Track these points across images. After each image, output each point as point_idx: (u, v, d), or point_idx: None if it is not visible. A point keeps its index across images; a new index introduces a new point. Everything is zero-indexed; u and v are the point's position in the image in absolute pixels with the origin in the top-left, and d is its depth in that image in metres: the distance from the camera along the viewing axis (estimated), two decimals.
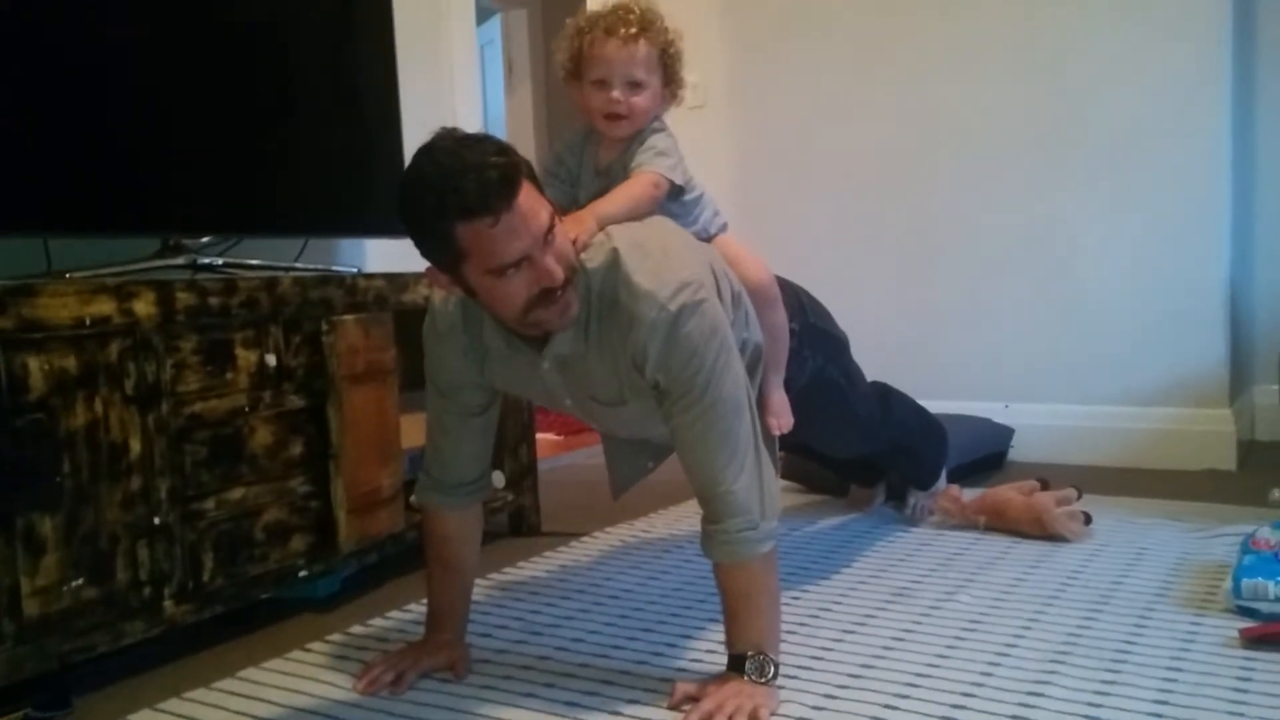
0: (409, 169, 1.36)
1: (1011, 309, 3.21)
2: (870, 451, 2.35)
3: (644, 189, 1.56)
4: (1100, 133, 3.04)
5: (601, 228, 1.48)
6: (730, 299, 1.57)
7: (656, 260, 1.43)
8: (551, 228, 1.35)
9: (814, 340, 1.93)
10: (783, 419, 1.71)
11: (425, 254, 1.40)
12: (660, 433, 1.63)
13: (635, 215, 1.53)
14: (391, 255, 2.62)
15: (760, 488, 1.46)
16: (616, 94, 1.56)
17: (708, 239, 1.72)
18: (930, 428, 2.41)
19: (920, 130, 3.31)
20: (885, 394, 2.29)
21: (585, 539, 2.42)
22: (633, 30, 1.56)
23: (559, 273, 1.35)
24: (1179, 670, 1.52)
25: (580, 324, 1.45)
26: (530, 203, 1.33)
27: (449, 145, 1.32)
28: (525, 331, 1.46)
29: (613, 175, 1.62)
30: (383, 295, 2.10)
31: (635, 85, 1.57)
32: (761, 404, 1.65)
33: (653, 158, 1.59)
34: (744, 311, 1.64)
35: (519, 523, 2.51)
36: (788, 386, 1.77)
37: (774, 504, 1.48)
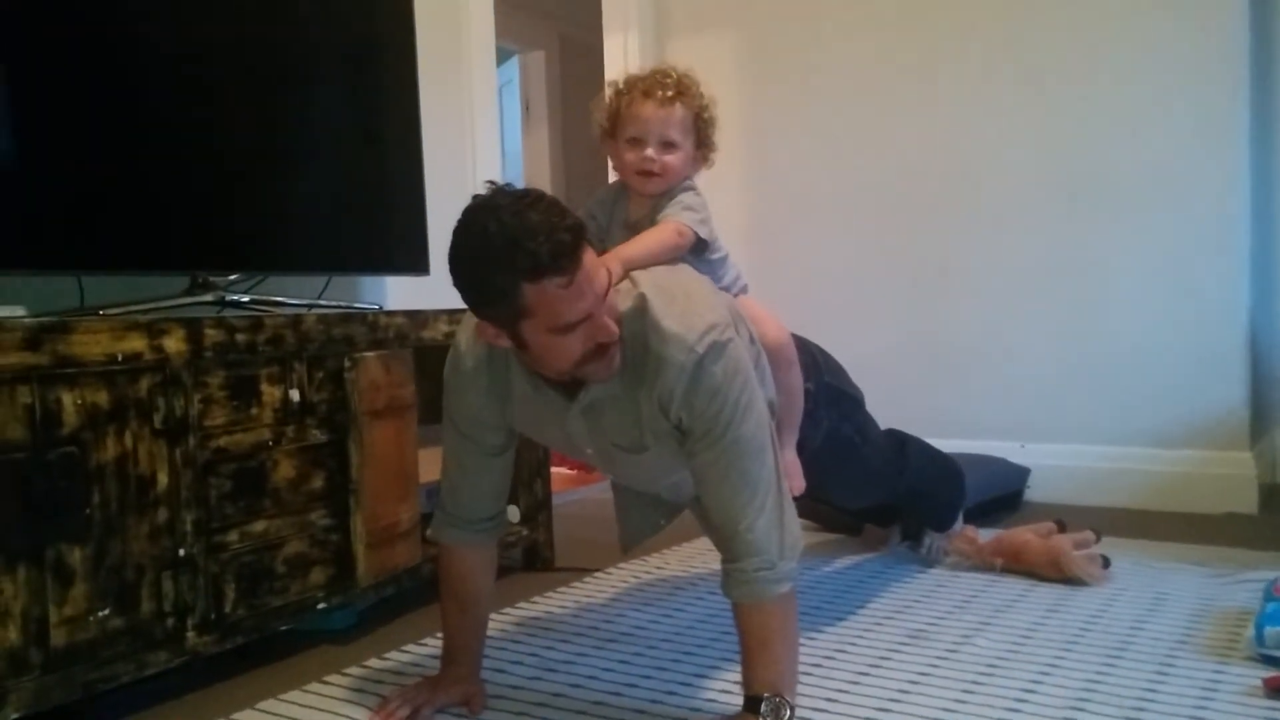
0: (468, 225, 1.36)
1: (1027, 348, 3.21)
2: (886, 500, 2.35)
3: (668, 235, 1.60)
4: (1117, 172, 3.05)
5: (626, 272, 1.51)
6: (751, 352, 1.60)
7: (682, 304, 1.45)
8: (608, 288, 1.39)
9: (829, 399, 1.95)
10: (794, 481, 1.72)
11: (478, 308, 1.42)
12: (674, 483, 1.65)
13: (658, 261, 1.57)
14: (411, 292, 2.66)
15: (780, 528, 1.47)
16: (650, 152, 1.62)
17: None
18: (946, 472, 2.41)
19: (934, 169, 3.34)
20: (901, 443, 2.29)
21: (599, 574, 2.43)
22: (669, 93, 1.62)
23: (614, 329, 1.39)
24: None
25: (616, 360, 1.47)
26: (592, 262, 1.37)
27: (510, 204, 1.34)
28: (565, 380, 1.49)
29: (640, 230, 1.65)
30: (403, 332, 2.13)
31: (669, 145, 1.63)
32: None
33: (679, 210, 1.64)
34: (761, 369, 1.66)
35: (533, 558, 2.52)
36: (802, 446, 1.79)
37: (794, 546, 1.49)
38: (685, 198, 1.66)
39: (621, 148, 1.66)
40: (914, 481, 2.27)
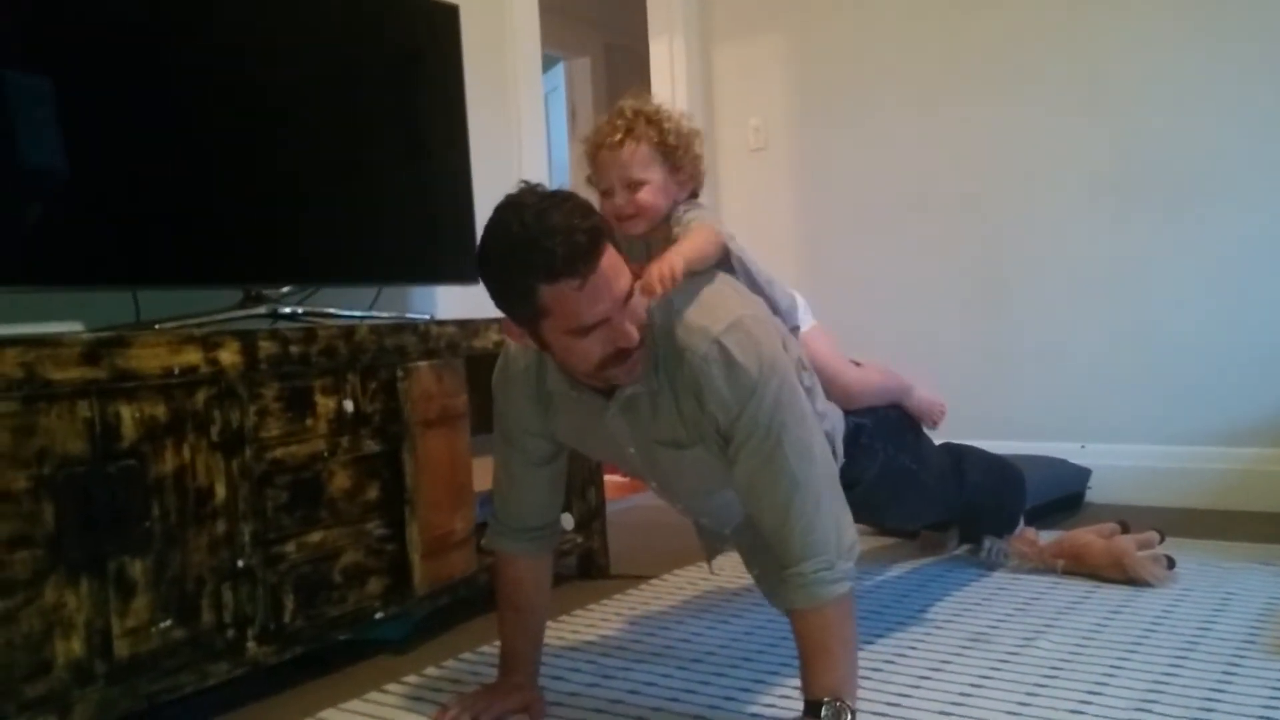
0: (494, 224, 1.38)
1: (1087, 347, 3.16)
2: (945, 518, 2.32)
3: (708, 234, 1.57)
4: (1176, 168, 2.99)
5: (686, 269, 1.47)
6: (804, 382, 1.57)
7: (709, 300, 1.46)
8: (631, 291, 1.38)
9: (884, 431, 1.91)
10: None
11: (503, 307, 1.43)
12: (719, 506, 1.65)
13: (710, 260, 1.55)
14: (462, 302, 2.67)
15: (837, 529, 1.45)
16: (619, 199, 1.60)
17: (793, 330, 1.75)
18: (1005, 482, 2.35)
19: (988, 171, 3.30)
20: (958, 459, 2.22)
21: (654, 581, 2.42)
22: (618, 136, 1.59)
23: (635, 334, 1.38)
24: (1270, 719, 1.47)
25: (649, 366, 1.47)
26: (613, 266, 1.35)
27: (535, 203, 1.34)
28: (592, 384, 1.49)
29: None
30: (455, 342, 2.14)
31: (635, 184, 1.59)
32: None
33: (694, 218, 1.61)
34: (819, 403, 1.64)
35: (588, 565, 2.52)
36: (857, 480, 1.76)
37: (852, 545, 1.47)
38: (690, 214, 1.62)
39: (600, 201, 1.63)
40: (972, 496, 2.23)
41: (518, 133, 3.06)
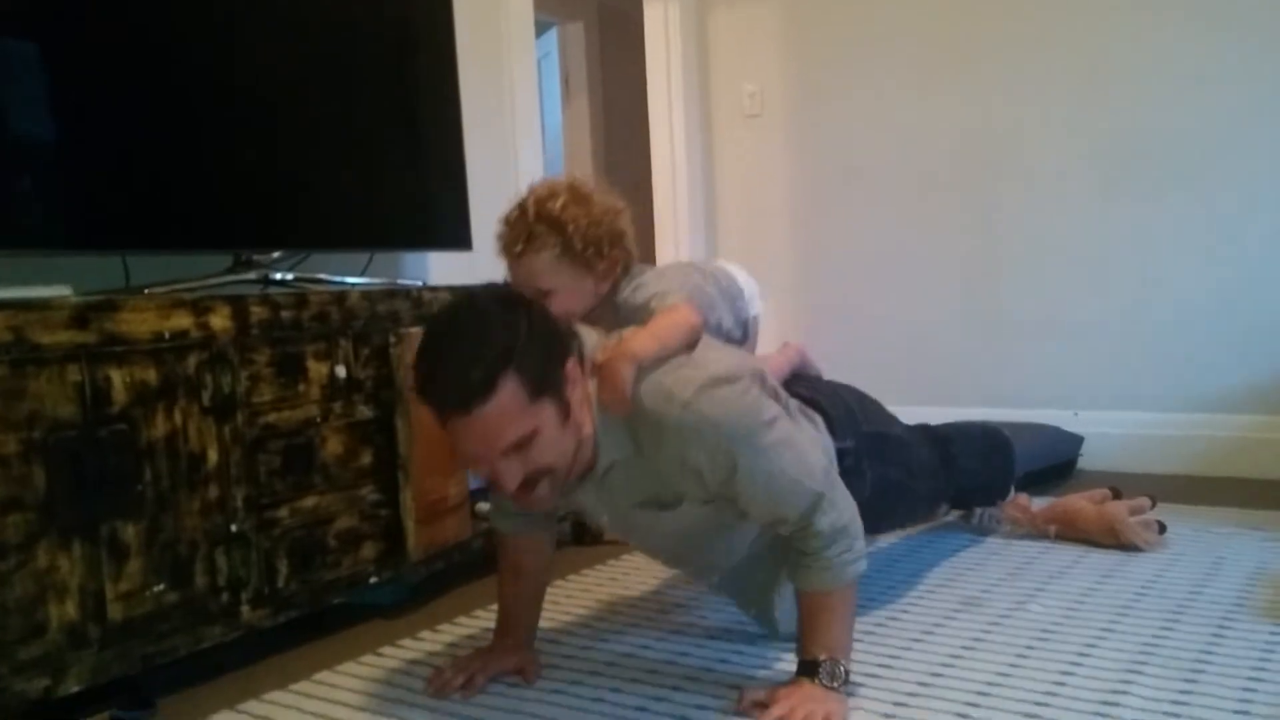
0: (424, 332, 1.37)
1: (1080, 316, 3.16)
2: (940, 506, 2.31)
3: (673, 324, 1.46)
4: (1171, 141, 2.98)
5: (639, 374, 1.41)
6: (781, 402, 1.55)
7: (677, 363, 1.41)
8: (532, 435, 1.31)
9: (871, 451, 1.83)
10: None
11: None
12: (721, 551, 1.64)
13: (677, 349, 1.44)
14: (454, 268, 2.66)
15: (851, 512, 1.47)
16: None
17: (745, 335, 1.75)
18: (996, 459, 2.32)
19: (985, 138, 3.28)
20: (946, 446, 2.16)
21: None
22: (518, 248, 1.53)
23: (512, 483, 1.32)
24: (1260, 681, 1.48)
25: (624, 435, 1.43)
26: (506, 410, 1.28)
27: (456, 324, 1.33)
28: None
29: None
30: None
31: (544, 294, 1.53)
32: None
33: (650, 293, 1.53)
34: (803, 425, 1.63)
35: (581, 531, 2.53)
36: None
37: (856, 518, 1.48)
38: (640, 296, 1.55)
39: None
40: (964, 481, 2.22)
41: (510, 98, 3.03)
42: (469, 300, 1.38)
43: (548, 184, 1.56)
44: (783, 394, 1.59)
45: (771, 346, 2.09)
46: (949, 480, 2.15)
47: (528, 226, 1.52)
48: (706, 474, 1.41)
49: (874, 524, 1.73)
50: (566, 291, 1.54)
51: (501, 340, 1.29)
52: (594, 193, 1.56)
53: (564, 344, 1.39)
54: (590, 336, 1.48)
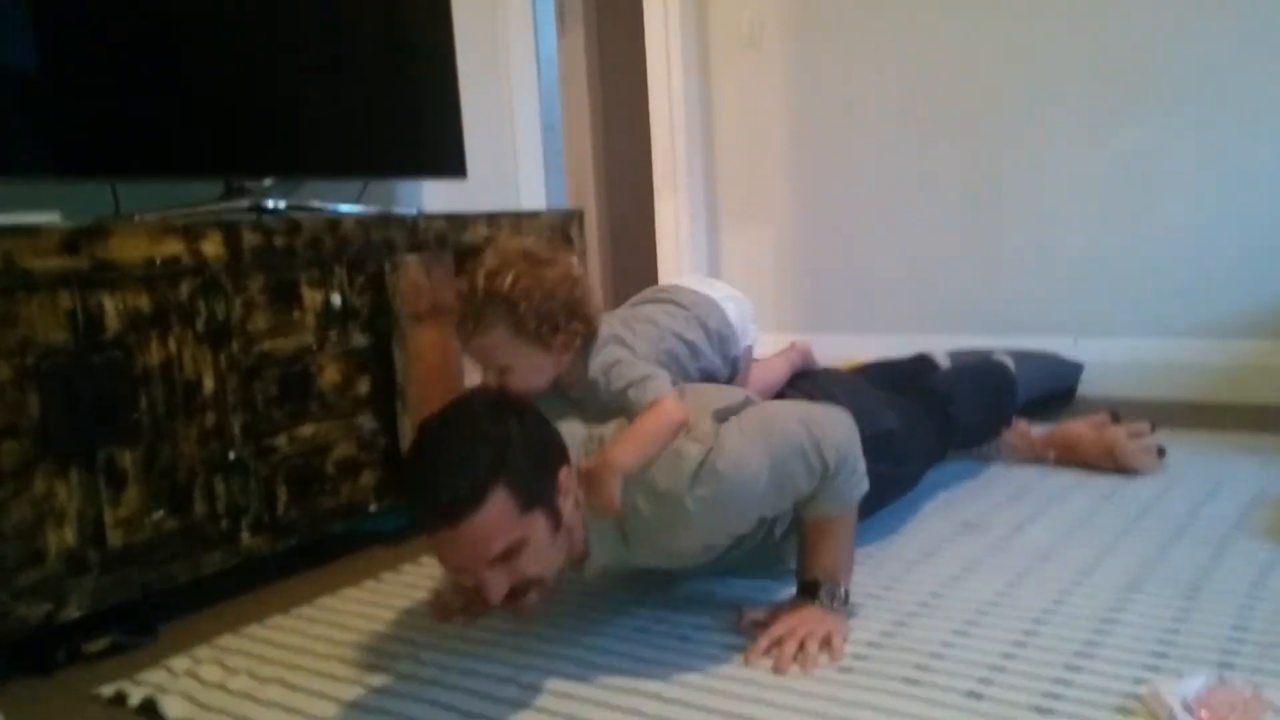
0: (413, 440, 1.31)
1: (1079, 243, 3.13)
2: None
3: (655, 425, 1.40)
4: (1174, 63, 2.93)
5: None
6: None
7: (664, 460, 1.37)
8: (520, 544, 1.26)
9: (868, 453, 1.65)
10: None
11: None
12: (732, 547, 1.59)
13: (662, 448, 1.38)
14: (448, 197, 2.63)
15: (843, 431, 1.44)
16: (492, 382, 1.47)
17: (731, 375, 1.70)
18: (995, 407, 2.29)
19: (983, 62, 3.22)
20: (944, 409, 2.10)
21: None
22: (469, 327, 1.44)
23: (498, 594, 1.28)
24: (1258, 599, 1.49)
25: (615, 536, 1.42)
26: (492, 523, 1.23)
27: (445, 434, 1.28)
28: None
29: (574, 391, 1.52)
30: (443, 235, 2.10)
31: (502, 370, 1.45)
32: None
33: (620, 380, 1.44)
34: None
35: None
36: None
37: (854, 434, 1.46)
38: (605, 358, 1.47)
39: None
40: (963, 439, 2.20)
41: (505, 26, 2.97)
42: (461, 406, 1.32)
43: (499, 254, 1.45)
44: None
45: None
46: (946, 444, 2.13)
47: (477, 306, 1.42)
48: (723, 541, 1.46)
49: (868, 512, 1.73)
50: (524, 369, 1.45)
51: (492, 450, 1.24)
52: (547, 263, 1.45)
53: (558, 451, 1.35)
54: (573, 435, 1.42)
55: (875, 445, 1.74)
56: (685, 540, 1.42)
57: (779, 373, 1.95)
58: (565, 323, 1.43)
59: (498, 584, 1.27)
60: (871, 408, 1.84)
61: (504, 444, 1.25)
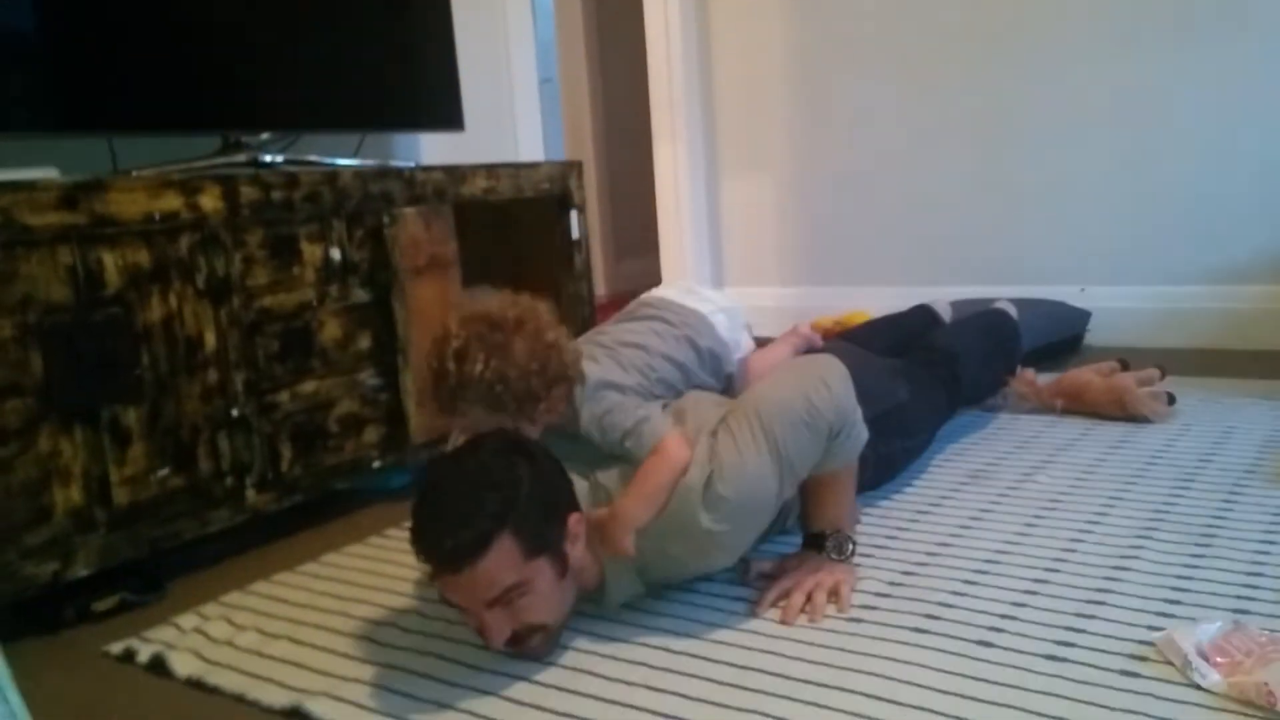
0: (419, 484, 1.28)
1: (1088, 189, 3.09)
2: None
3: (660, 472, 1.35)
4: (1187, 5, 2.87)
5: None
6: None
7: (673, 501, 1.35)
8: (522, 586, 1.23)
9: (875, 432, 1.60)
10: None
11: None
12: None
13: (669, 493, 1.35)
14: (446, 150, 2.60)
15: (838, 387, 1.40)
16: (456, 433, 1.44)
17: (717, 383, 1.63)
18: (999, 358, 2.28)
19: (988, 3, 3.16)
20: (950, 369, 2.07)
21: None
22: (450, 404, 1.35)
23: (500, 637, 1.25)
24: (1272, 544, 1.48)
25: (632, 575, 1.41)
26: (495, 568, 1.20)
27: (460, 475, 1.25)
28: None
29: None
30: (441, 188, 2.08)
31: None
32: None
33: (634, 441, 1.38)
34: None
35: None
36: (859, 487, 1.62)
37: (849, 388, 1.43)
38: (595, 408, 1.40)
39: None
40: (970, 394, 2.19)
41: None
42: (472, 450, 1.29)
43: (463, 326, 1.34)
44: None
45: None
46: (954, 404, 2.11)
47: (451, 389, 1.35)
48: (754, 537, 1.45)
49: (881, 483, 1.72)
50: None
51: (499, 498, 1.22)
52: (516, 329, 1.34)
53: (568, 497, 1.33)
54: (578, 485, 1.38)
55: (886, 423, 1.73)
56: (720, 558, 1.42)
57: (781, 358, 1.92)
58: (546, 393, 1.36)
59: (500, 627, 1.24)
60: (879, 385, 1.81)
61: (513, 491, 1.23)
